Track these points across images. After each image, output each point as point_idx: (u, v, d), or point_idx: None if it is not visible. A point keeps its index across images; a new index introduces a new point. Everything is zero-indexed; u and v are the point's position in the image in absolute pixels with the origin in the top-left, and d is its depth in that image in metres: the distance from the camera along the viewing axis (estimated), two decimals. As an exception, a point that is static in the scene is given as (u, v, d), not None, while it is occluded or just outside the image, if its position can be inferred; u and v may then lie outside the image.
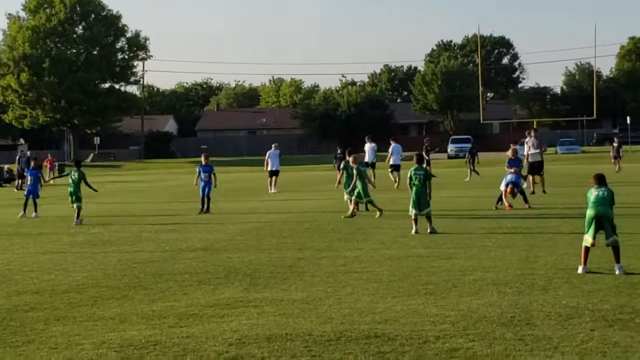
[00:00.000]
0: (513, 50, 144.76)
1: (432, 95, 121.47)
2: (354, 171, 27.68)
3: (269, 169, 43.04)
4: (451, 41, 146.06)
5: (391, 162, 42.68)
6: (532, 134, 38.14)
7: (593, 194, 15.14)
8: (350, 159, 28.42)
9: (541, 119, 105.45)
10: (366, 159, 42.36)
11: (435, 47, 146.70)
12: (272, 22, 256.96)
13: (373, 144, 41.03)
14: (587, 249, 14.98)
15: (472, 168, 49.71)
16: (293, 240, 21.21)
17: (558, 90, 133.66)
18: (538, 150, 36.30)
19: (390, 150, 42.99)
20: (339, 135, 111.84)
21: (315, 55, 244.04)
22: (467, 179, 48.39)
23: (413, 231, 21.85)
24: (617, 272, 14.63)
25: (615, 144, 56.61)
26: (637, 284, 13.63)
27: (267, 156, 43.51)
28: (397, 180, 41.04)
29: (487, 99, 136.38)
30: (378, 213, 26.70)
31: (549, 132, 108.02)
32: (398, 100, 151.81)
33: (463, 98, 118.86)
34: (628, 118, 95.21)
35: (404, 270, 15.77)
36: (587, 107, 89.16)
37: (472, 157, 50.49)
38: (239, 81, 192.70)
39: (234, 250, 19.52)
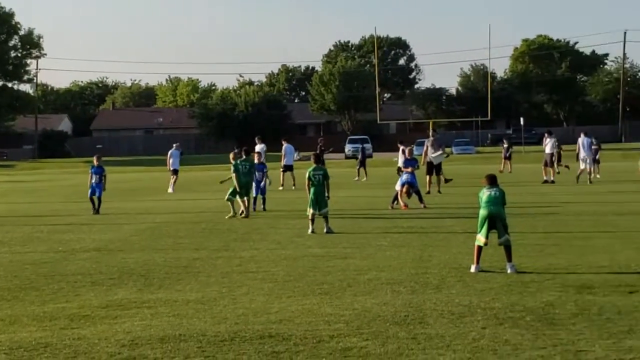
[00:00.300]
0: (409, 51, 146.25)
1: (329, 96, 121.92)
2: (231, 168, 27.57)
3: (171, 168, 42.87)
4: (348, 42, 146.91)
5: (284, 163, 42.67)
6: (432, 134, 38.71)
7: (485, 194, 15.36)
8: (230, 156, 28.37)
9: (437, 119, 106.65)
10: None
11: (332, 48, 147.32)
12: (169, 21, 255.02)
13: (262, 145, 40.99)
14: (479, 248, 15.19)
15: (359, 167, 50.09)
16: (189, 240, 21.08)
17: (454, 91, 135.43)
18: (440, 152, 36.69)
19: (283, 151, 42.99)
20: (237, 135, 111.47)
21: (213, 55, 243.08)
22: (357, 178, 48.57)
23: (309, 231, 21.90)
24: (509, 271, 14.86)
25: (505, 145, 57.49)
26: (529, 282, 13.85)
27: (168, 156, 43.32)
28: (293, 180, 41.09)
29: (384, 99, 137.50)
30: (231, 214, 26.61)
31: (445, 132, 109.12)
32: (296, 101, 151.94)
33: (360, 98, 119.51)
34: (521, 119, 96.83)
35: (299, 270, 15.79)
36: (482, 108, 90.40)
37: (363, 158, 50.91)
38: (135, 80, 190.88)
39: (128, 251, 19.31)
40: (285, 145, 43.05)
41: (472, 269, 15.10)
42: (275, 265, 16.59)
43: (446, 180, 40.58)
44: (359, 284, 14.19)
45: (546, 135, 43.72)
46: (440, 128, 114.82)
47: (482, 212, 15.30)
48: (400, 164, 40.00)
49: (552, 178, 41.12)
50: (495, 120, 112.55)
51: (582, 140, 42.11)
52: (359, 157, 52.06)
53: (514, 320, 11.20)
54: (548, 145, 42.19)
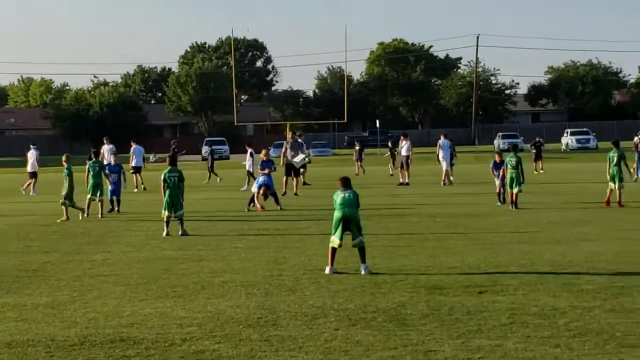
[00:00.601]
0: (267, 53, 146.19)
1: (186, 97, 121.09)
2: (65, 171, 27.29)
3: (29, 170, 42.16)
4: (205, 43, 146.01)
5: (133, 164, 42.22)
6: (292, 137, 38.84)
7: (339, 196, 15.47)
8: (63, 158, 28.08)
9: (294, 121, 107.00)
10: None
11: (189, 49, 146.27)
12: (20, 20, 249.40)
13: (111, 145, 40.45)
14: (334, 249, 15.29)
15: (210, 169, 49.83)
16: (40, 243, 20.64)
17: (311, 94, 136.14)
18: (302, 156, 36.82)
19: (131, 152, 42.57)
20: (91, 136, 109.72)
21: (66, 55, 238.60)
22: (206, 181, 48.13)
23: (164, 233, 21.71)
24: (362, 272, 15.00)
25: (357, 147, 58.11)
26: (381, 283, 14.01)
27: (28, 157, 42.62)
28: (141, 182, 40.76)
29: (241, 101, 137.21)
30: (64, 218, 26.29)
31: (303, 134, 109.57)
32: (152, 102, 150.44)
33: (217, 100, 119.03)
34: (377, 122, 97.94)
35: (153, 273, 15.64)
36: (339, 110, 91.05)
37: (212, 160, 50.66)
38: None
39: (-24, 255, 18.79)
40: (134, 146, 42.65)
41: (327, 270, 15.19)
42: (129, 268, 16.39)
43: (304, 184, 40.83)
44: (213, 286, 14.13)
45: (402, 137, 44.33)
46: (298, 130, 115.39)
47: (337, 214, 15.41)
48: (248, 167, 40.21)
49: (407, 180, 41.71)
50: (351, 123, 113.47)
51: (441, 142, 42.93)
52: (209, 159, 51.57)
53: (366, 321, 11.31)
54: (404, 147, 42.80)
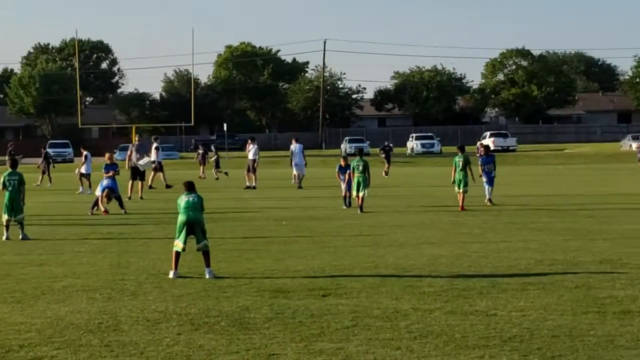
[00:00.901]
0: (112, 55, 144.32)
1: (29, 99, 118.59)
2: None
3: None
4: (49, 44, 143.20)
5: None
6: (138, 140, 38.60)
7: (183, 200, 15.35)
8: None
9: (140, 124, 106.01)
10: None
11: (32, 50, 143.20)
12: None
13: None
14: (177, 253, 15.15)
15: (46, 172, 48.87)
16: None
17: (158, 97, 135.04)
18: (146, 159, 36.44)
19: None
20: None
21: None
22: (37, 184, 46.86)
23: (4, 237, 21.17)
24: (207, 276, 14.91)
25: (200, 151, 57.92)
26: (226, 287, 13.94)
27: None
28: None
29: (86, 103, 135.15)
30: None
31: (149, 138, 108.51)
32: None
33: (61, 102, 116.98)
34: (225, 125, 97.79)
35: (-9, 279, 15.20)
36: (186, 113, 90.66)
37: (47, 163, 49.60)
38: None
39: None
40: None
41: (171, 274, 15.04)
42: (-35, 274, 15.89)
43: (167, 186, 40.45)
44: (54, 291, 13.83)
45: (249, 141, 44.37)
46: (144, 133, 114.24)
47: (181, 218, 15.28)
48: (83, 170, 39.73)
49: (254, 184, 41.73)
50: (199, 126, 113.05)
51: (293, 147, 43.09)
52: (43, 162, 50.46)
53: (210, 325, 11.23)
54: (251, 151, 42.82)
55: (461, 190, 28.24)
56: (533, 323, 11.09)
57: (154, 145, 42.82)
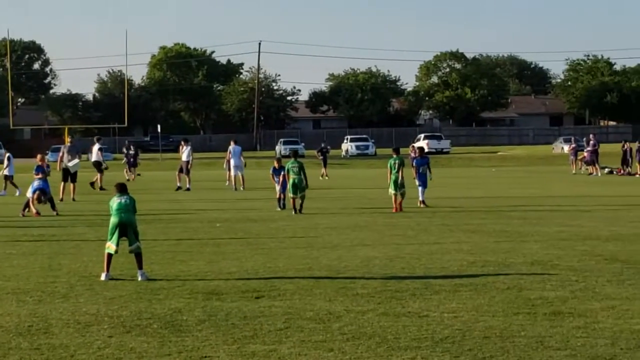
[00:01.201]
0: (44, 55, 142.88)
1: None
2: None
3: None
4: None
5: None
6: (70, 141, 38.40)
7: (115, 202, 15.23)
8: None
9: (73, 125, 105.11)
10: None
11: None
12: None
13: None
14: (110, 255, 15.03)
15: None
16: None
17: (90, 97, 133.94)
18: (77, 160, 36.11)
19: None
20: None
21: None
22: None
23: None
24: (139, 279, 14.80)
25: (131, 152, 57.41)
26: (158, 289, 13.85)
27: None
28: None
29: (18, 104, 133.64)
30: None
31: (81, 139, 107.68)
32: None
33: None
34: (159, 126, 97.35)
35: None
36: (119, 114, 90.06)
37: None
38: None
39: None
40: None
41: (103, 277, 14.91)
42: None
43: (101, 188, 40.23)
44: (-18, 294, 13.64)
45: (182, 143, 44.19)
46: (77, 134, 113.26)
47: (113, 220, 15.16)
48: (6, 172, 39.52)
49: (188, 185, 41.53)
50: (133, 127, 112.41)
51: (232, 147, 43.06)
52: None
53: (141, 327, 11.15)
54: (185, 152, 42.66)
55: (396, 192, 28.35)
56: (465, 324, 11.17)
57: (97, 146, 42.71)
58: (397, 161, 28.94)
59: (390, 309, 12.24)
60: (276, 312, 12.06)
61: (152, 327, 11.16)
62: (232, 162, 42.72)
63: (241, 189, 41.08)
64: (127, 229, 15.13)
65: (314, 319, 11.58)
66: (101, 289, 14.02)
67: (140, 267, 15.08)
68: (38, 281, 14.83)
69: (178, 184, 42.06)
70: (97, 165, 42.69)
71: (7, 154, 40.67)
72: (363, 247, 19.25)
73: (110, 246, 15.07)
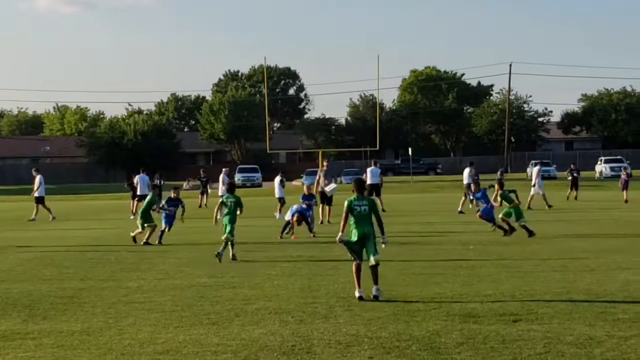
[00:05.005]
0: (299, 81, 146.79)
1: (219, 125, 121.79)
2: None
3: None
4: (238, 71, 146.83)
5: (138, 193, 44.55)
6: (325, 164, 39.32)
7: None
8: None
9: (326, 149, 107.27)
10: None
11: (222, 77, 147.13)
12: (56, 48, 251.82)
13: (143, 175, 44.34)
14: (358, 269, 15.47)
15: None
16: (75, 270, 20.75)
17: (343, 121, 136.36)
18: (333, 185, 36.94)
19: (136, 180, 45.24)
20: (126, 164, 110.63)
21: (101, 83, 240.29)
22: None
23: (217, 253, 21.78)
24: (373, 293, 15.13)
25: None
26: (415, 311, 13.97)
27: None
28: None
29: (274, 129, 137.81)
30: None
31: (334, 162, 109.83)
32: (185, 130, 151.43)
33: (250, 128, 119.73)
34: (409, 149, 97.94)
35: (187, 300, 15.68)
36: (371, 138, 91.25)
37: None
38: (22, 108, 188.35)
39: (12, 281, 18.92)
40: (140, 175, 44.77)
41: (356, 293, 15.28)
42: (163, 295, 16.45)
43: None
44: (247, 313, 14.16)
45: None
46: (331, 158, 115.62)
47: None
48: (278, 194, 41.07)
49: (460, 209, 41.57)
50: (383, 150, 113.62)
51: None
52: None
53: (400, 349, 11.29)
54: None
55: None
56: None
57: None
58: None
59: (654, 335, 11.89)
60: (535, 336, 11.94)
61: (411, 349, 11.28)
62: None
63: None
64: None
65: (574, 344, 11.40)
66: (360, 310, 14.27)
67: (375, 282, 15.50)
68: (298, 301, 15.26)
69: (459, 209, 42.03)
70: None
71: (279, 177, 42.33)
72: (622, 271, 18.74)
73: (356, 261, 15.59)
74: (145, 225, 27.61)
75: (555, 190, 59.25)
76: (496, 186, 29.18)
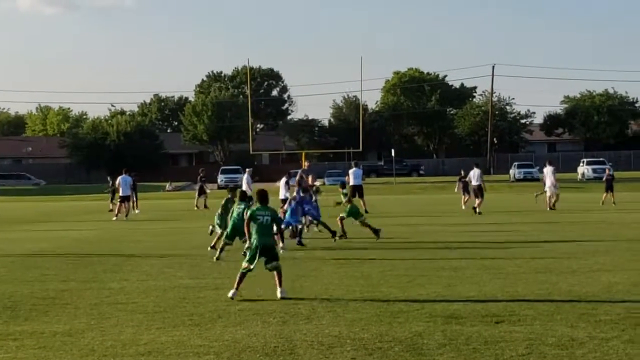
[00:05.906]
0: (282, 82, 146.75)
1: (202, 126, 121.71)
2: None
3: None
4: (221, 72, 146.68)
5: (120, 194, 43.77)
6: (307, 164, 39.54)
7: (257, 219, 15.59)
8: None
9: (310, 150, 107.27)
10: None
11: (205, 78, 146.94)
12: (39, 48, 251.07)
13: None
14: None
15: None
16: (57, 271, 20.66)
17: (326, 123, 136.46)
18: (317, 183, 37.04)
19: (118, 181, 44.11)
20: (108, 165, 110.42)
21: (84, 84, 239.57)
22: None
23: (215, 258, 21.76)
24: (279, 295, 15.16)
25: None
26: (397, 312, 13.97)
27: None
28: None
29: (257, 130, 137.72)
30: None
31: (317, 163, 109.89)
32: (168, 130, 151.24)
33: (233, 129, 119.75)
34: (392, 150, 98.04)
35: (169, 301, 15.65)
36: (354, 139, 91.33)
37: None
38: (3, 109, 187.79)
39: (-6, 283, 18.83)
40: (122, 176, 44.23)
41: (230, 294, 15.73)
42: (146, 296, 16.40)
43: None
44: (230, 315, 14.13)
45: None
46: (314, 159, 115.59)
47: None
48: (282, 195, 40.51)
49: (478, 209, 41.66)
50: (367, 152, 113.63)
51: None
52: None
53: (383, 350, 11.29)
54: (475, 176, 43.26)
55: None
56: None
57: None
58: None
59: (636, 336, 11.92)
60: (517, 337, 11.96)
61: (393, 350, 11.28)
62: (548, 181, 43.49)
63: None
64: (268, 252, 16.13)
65: (556, 345, 11.42)
66: (342, 311, 14.26)
67: (279, 284, 15.96)
68: (281, 302, 15.24)
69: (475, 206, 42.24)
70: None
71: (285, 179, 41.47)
72: (604, 273, 18.79)
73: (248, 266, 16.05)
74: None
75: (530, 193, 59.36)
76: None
